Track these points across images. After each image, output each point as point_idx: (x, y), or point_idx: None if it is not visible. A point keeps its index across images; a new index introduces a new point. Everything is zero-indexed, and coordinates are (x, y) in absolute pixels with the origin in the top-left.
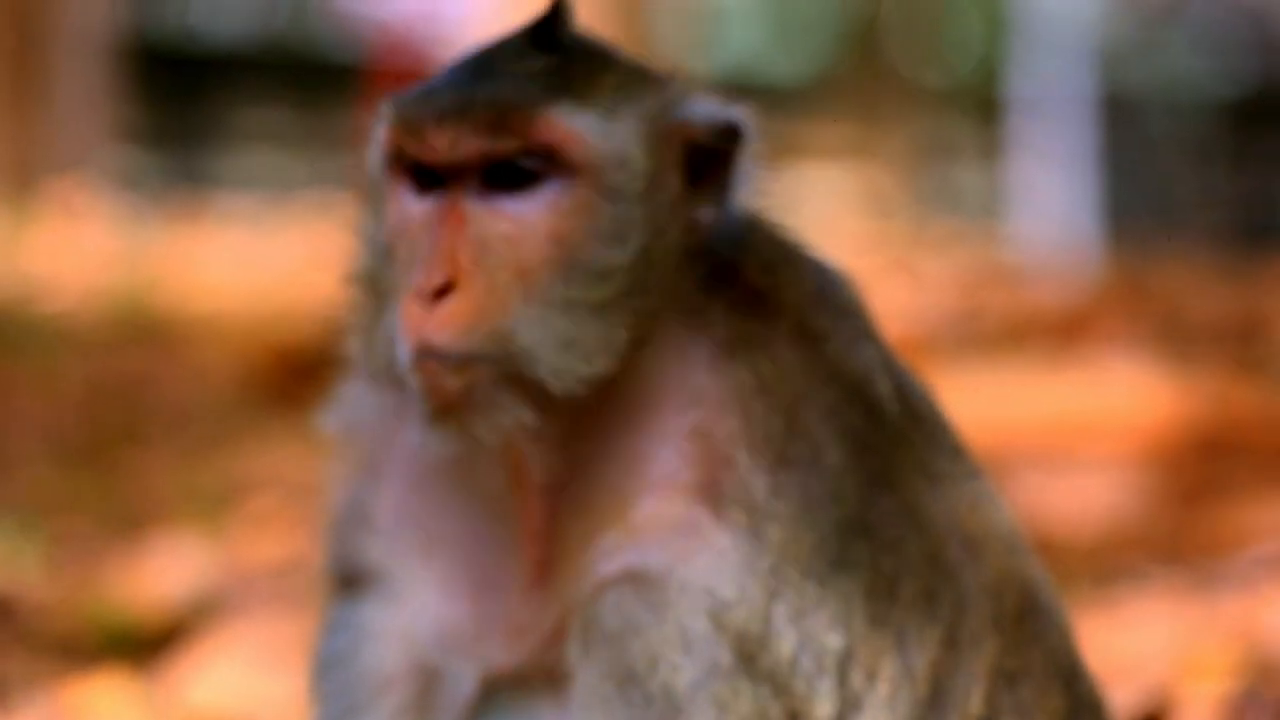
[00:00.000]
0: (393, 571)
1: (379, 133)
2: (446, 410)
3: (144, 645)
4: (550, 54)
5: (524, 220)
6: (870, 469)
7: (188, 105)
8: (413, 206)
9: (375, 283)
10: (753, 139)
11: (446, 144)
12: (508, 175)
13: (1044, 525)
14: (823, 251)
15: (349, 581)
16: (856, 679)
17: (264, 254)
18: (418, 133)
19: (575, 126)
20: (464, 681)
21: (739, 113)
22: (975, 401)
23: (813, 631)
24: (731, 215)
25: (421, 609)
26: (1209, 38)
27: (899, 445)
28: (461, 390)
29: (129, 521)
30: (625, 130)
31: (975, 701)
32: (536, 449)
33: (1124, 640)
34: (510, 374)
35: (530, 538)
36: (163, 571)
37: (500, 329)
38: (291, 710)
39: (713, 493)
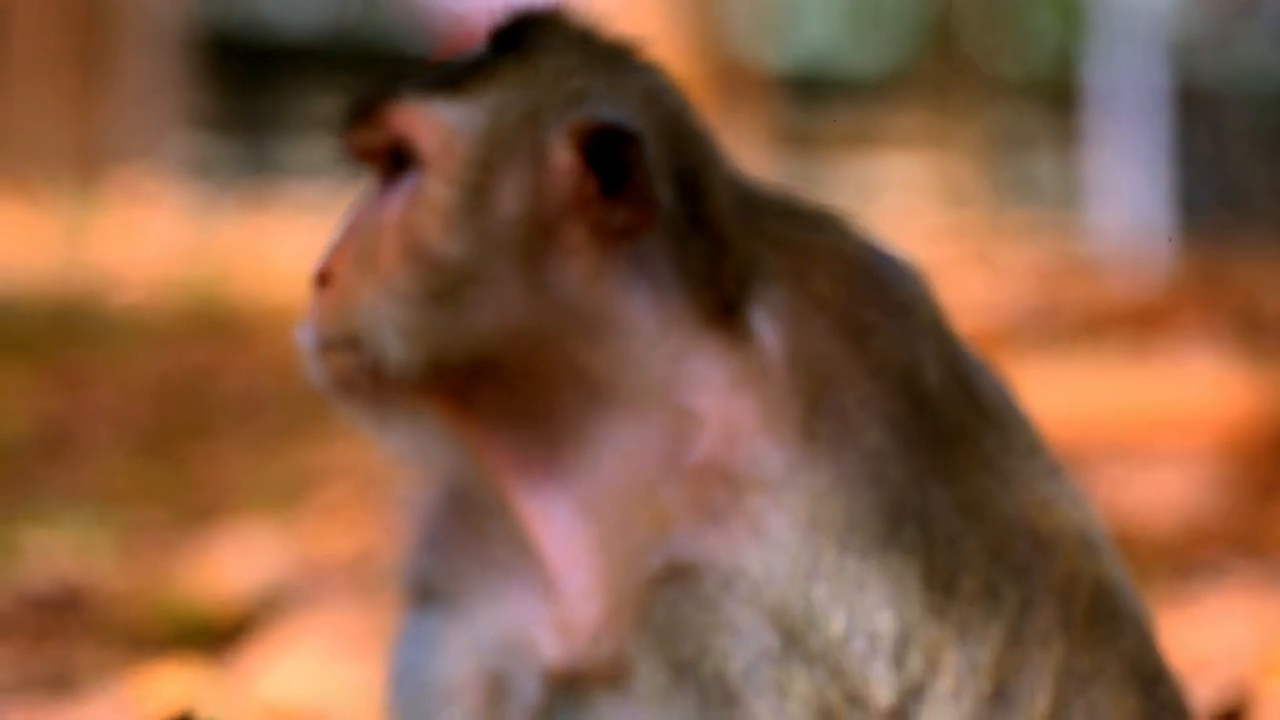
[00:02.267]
0: (453, 583)
1: None
2: (337, 397)
3: (215, 636)
4: (498, 53)
5: (382, 211)
6: (921, 460)
7: (257, 93)
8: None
9: None
10: (644, 144)
11: (344, 139)
12: (404, 166)
13: (1121, 519)
14: (893, 244)
15: (420, 595)
16: (915, 666)
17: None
18: (338, 132)
19: (422, 117)
20: (529, 685)
21: (622, 116)
22: (1052, 395)
23: (861, 611)
24: (670, 214)
25: (480, 618)
26: None
27: (959, 440)
28: (333, 376)
29: (200, 512)
30: (469, 121)
31: (1042, 701)
32: (495, 450)
33: (1202, 636)
34: (365, 361)
35: (539, 537)
36: (234, 562)
37: (350, 317)
38: (362, 701)
39: (727, 474)
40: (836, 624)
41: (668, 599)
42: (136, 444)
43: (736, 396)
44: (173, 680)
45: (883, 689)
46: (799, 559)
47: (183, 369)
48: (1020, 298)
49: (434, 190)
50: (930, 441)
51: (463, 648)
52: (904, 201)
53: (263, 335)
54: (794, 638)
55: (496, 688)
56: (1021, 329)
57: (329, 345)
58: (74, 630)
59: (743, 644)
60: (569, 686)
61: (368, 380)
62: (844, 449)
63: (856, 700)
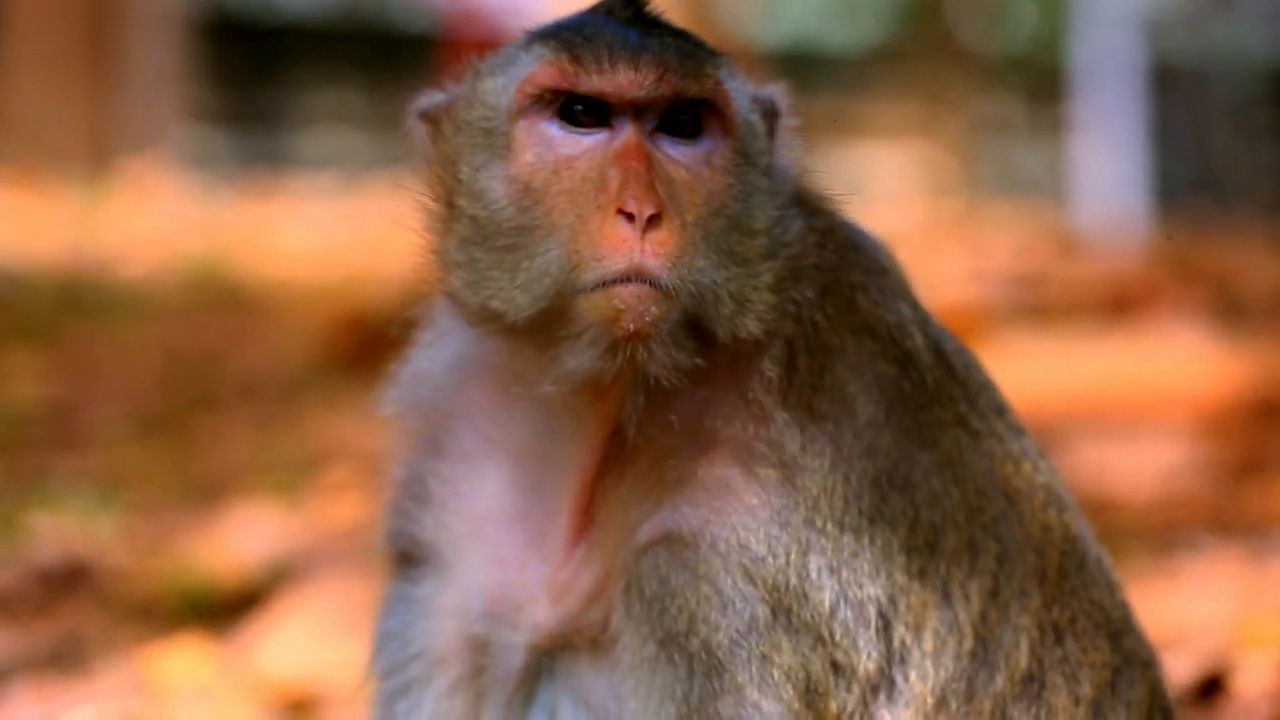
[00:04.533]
0: (446, 545)
1: (516, 73)
2: (630, 337)
3: (220, 610)
4: (656, 25)
5: (694, 168)
6: (907, 423)
7: (262, 83)
8: (568, 142)
9: (506, 224)
10: (787, 115)
11: (640, 80)
12: (676, 124)
13: (1100, 492)
14: (859, 217)
15: (405, 559)
16: (900, 631)
17: (337, 222)
18: (601, 69)
19: (732, 90)
20: (514, 652)
21: (776, 91)
22: (1033, 371)
23: (852, 582)
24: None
25: (472, 581)
26: (1263, 10)
27: (936, 400)
28: (656, 319)
29: (205, 488)
30: (749, 100)
31: (1022, 655)
32: (644, 402)
33: (1181, 608)
34: (693, 313)
35: (578, 496)
36: (239, 538)
37: (695, 266)
38: (356, 674)
39: (745, 450)
40: (827, 595)
41: (660, 569)
42: (142, 422)
43: (759, 374)
44: (179, 654)
45: (867, 656)
46: (800, 536)
47: (188, 347)
48: (1003, 277)
49: (739, 163)
50: (914, 402)
51: (449, 615)
52: (887, 179)
53: (267, 314)
54: (784, 610)
55: (480, 656)
56: (1004, 307)
57: (672, 288)
58: (82, 605)
59: (731, 615)
60: (553, 654)
61: (683, 332)
62: (842, 427)
63: (840, 668)
